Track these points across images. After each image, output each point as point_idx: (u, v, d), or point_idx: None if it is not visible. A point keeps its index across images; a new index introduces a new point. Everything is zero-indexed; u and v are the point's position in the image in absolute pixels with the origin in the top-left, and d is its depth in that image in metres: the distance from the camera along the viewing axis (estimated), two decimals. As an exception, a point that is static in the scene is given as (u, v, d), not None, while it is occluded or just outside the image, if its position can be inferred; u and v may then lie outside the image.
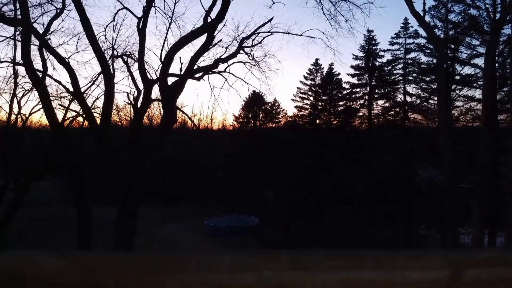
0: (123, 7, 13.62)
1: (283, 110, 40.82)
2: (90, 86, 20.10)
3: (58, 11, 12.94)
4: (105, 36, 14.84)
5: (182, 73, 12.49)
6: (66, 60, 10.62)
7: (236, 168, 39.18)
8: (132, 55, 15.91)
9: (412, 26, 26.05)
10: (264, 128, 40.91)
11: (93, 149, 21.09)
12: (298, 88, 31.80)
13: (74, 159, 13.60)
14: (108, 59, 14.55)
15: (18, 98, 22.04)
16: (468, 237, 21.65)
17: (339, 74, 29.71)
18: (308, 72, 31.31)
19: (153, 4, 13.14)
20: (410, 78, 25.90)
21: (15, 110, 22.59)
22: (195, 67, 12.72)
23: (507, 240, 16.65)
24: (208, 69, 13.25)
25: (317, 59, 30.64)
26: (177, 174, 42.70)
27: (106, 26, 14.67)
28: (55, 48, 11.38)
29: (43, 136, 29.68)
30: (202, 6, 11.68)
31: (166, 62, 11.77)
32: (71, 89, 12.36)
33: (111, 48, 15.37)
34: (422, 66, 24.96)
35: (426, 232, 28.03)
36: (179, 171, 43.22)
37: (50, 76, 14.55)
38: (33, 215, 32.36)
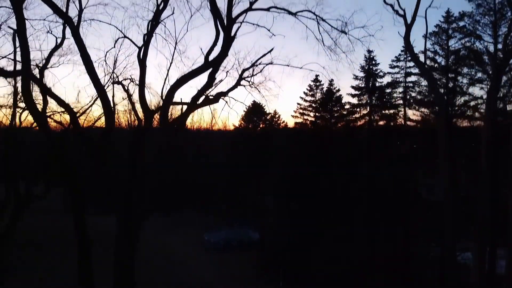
0: (123, 36, 13.65)
1: (283, 122, 40.63)
2: (90, 106, 20.21)
3: (58, 43, 13.00)
4: (105, 61, 14.83)
5: (183, 111, 12.55)
6: (66, 102, 10.67)
7: (236, 175, 39.06)
8: (134, 81, 15.91)
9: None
10: (266, 130, 40.41)
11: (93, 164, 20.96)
12: (298, 104, 31.74)
13: (72, 171, 13.43)
14: (106, 83, 14.62)
15: (19, 112, 22.09)
16: (467, 253, 21.36)
17: (339, 90, 29.60)
18: (308, 88, 31.24)
19: (153, 33, 13.15)
20: (411, 101, 25.96)
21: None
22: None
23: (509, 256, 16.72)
24: (210, 102, 13.31)
25: (317, 75, 29.66)
26: (176, 182, 42.42)
27: (107, 52, 14.68)
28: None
29: (44, 144, 29.45)
30: (202, 51, 11.76)
31: (167, 100, 11.85)
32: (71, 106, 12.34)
33: (111, 73, 15.38)
34: (422, 92, 25.02)
35: (426, 246, 27.92)
36: (178, 179, 42.94)
37: (51, 118, 14.55)
38: (34, 225, 32.30)
